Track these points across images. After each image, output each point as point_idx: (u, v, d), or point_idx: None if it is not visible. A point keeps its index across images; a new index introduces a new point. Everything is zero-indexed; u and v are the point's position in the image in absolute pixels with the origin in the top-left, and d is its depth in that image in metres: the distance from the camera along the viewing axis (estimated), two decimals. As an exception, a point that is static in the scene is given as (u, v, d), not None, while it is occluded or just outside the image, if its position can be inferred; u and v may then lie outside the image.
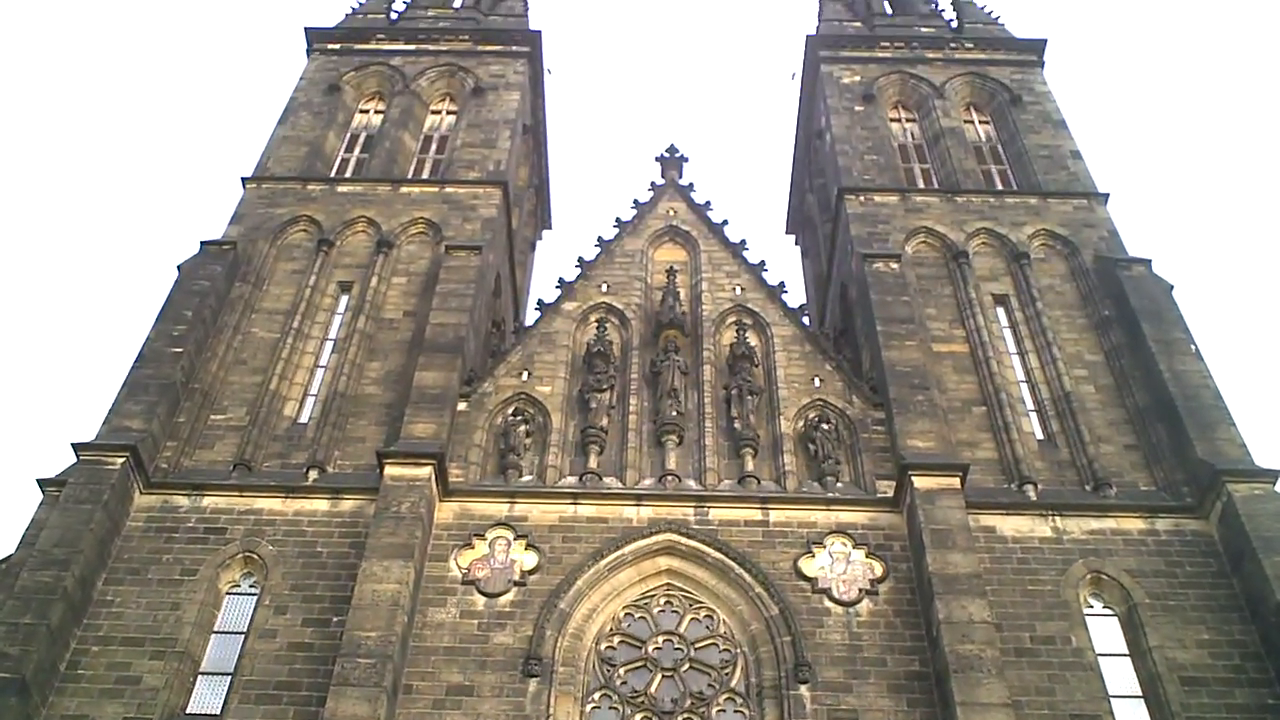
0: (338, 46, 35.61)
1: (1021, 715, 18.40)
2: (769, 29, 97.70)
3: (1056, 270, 28.25)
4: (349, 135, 33.43)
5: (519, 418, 24.27)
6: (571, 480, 23.17)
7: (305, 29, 35.62)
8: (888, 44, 36.06)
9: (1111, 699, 19.27)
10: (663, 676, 20.14)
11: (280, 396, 24.86)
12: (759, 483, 23.07)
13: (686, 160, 31.83)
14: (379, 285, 27.33)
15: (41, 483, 22.32)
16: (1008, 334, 26.84)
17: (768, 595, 20.70)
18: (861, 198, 30.17)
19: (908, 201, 30.10)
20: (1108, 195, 29.95)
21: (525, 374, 25.40)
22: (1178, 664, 19.60)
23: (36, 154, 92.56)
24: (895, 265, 27.42)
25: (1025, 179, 31.20)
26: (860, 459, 23.54)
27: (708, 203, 30.19)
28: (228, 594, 21.18)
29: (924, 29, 37.34)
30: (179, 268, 26.80)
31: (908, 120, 34.30)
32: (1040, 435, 24.34)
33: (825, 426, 24.00)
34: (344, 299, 27.45)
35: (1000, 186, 31.42)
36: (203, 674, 19.87)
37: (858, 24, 37.81)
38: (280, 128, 32.38)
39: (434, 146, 33.23)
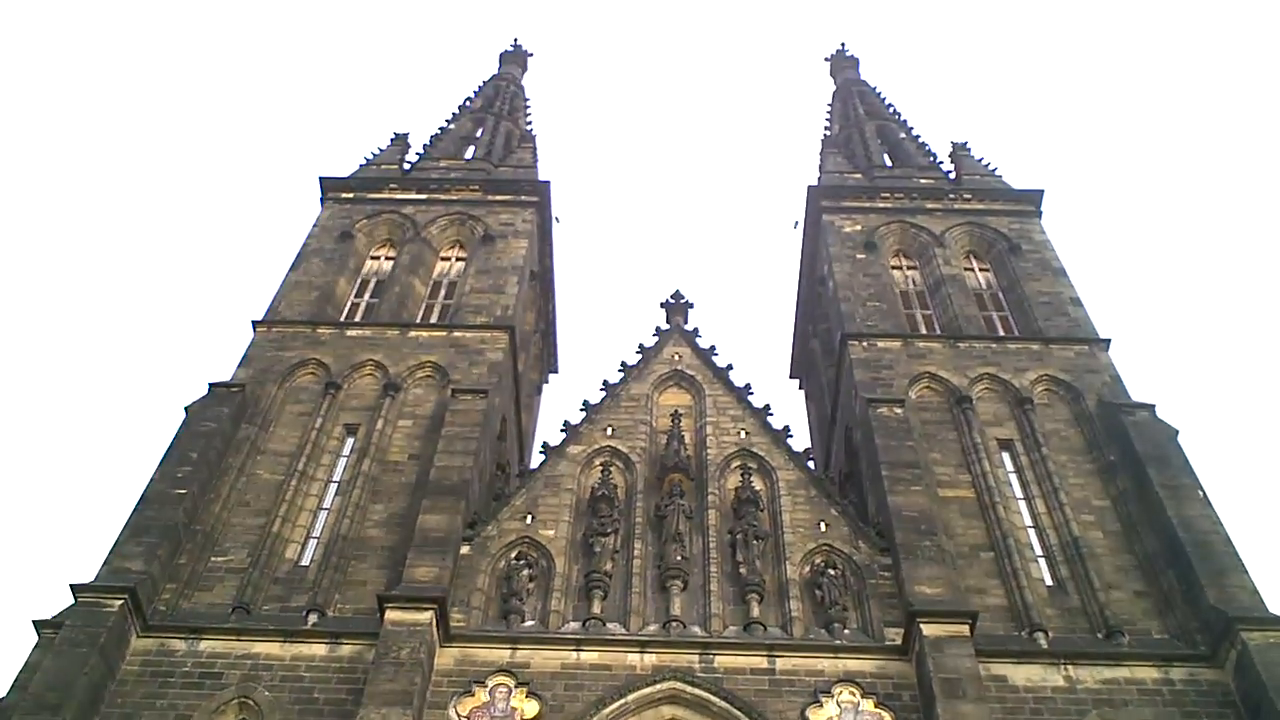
0: (351, 195, 36.55)
1: None
2: (771, 178, 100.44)
3: (1060, 415, 28.33)
4: (360, 280, 34.04)
5: (522, 562, 24.07)
6: (575, 626, 22.83)
7: (320, 178, 36.64)
8: (888, 194, 36.94)
9: None
10: (667, 836, 19.49)
11: (282, 539, 24.73)
12: (765, 629, 22.71)
13: (691, 306, 32.34)
14: (385, 428, 27.46)
15: (38, 624, 22.05)
16: (1014, 479, 26.78)
17: (774, 746, 20.16)
18: (865, 343, 30.48)
19: (910, 347, 30.39)
20: (1109, 341, 30.26)
21: (529, 518, 25.28)
22: (1198, 820, 18.95)
23: (50, 292, 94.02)
24: (899, 410, 27.54)
25: (1026, 325, 31.56)
26: (868, 605, 23.23)
27: (712, 347, 30.55)
28: (221, 741, 20.66)
29: (923, 180, 38.33)
30: (186, 409, 27.01)
31: (909, 268, 34.89)
32: (1050, 581, 24.07)
33: (832, 572, 23.76)
34: (349, 441, 27.56)
35: (1002, 332, 31.77)
36: (189, 830, 19.25)
37: (858, 175, 38.81)
38: (292, 273, 33.01)
39: (443, 292, 33.80)
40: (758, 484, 26.04)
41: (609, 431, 27.84)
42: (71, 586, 21.84)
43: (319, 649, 21.91)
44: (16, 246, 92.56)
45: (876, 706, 20.94)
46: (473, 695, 21.07)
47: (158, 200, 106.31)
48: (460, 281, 33.67)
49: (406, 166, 39.16)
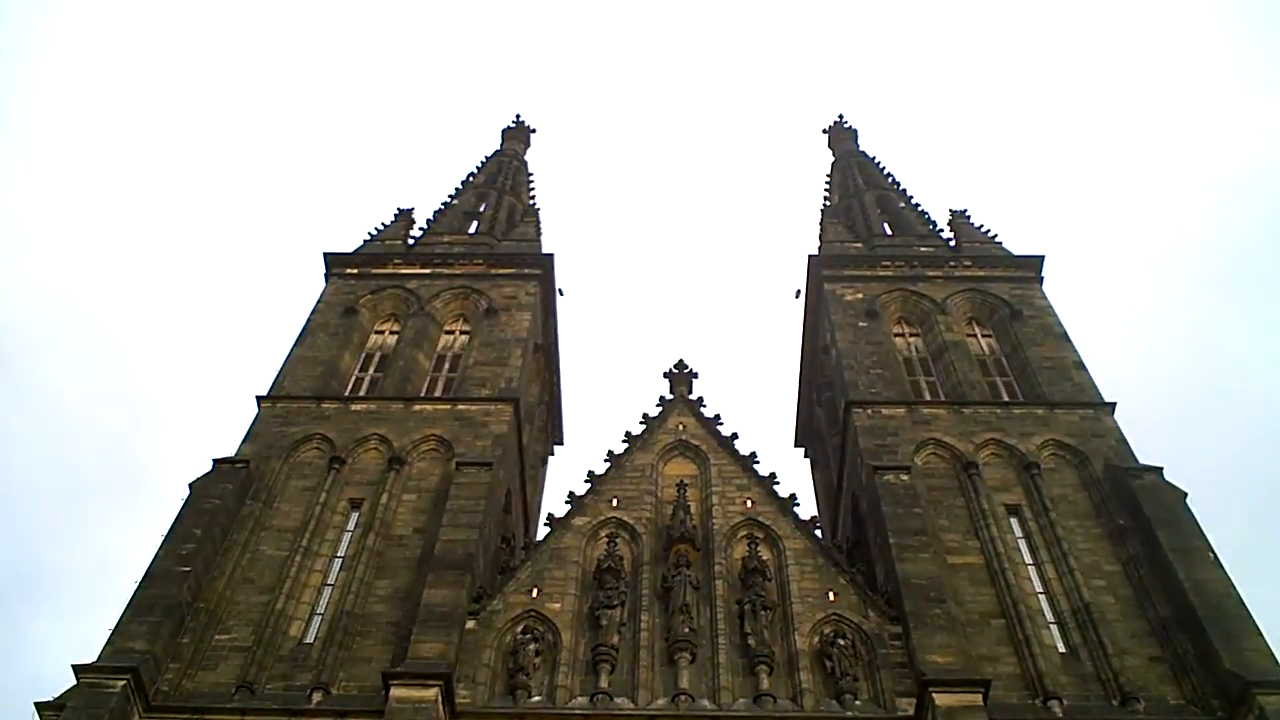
0: (356, 271, 36.85)
1: None
2: (772, 247, 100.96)
3: (1068, 480, 28.22)
4: (364, 355, 34.19)
5: (528, 636, 23.84)
6: (582, 701, 22.54)
7: (324, 254, 36.98)
8: (888, 263, 37.20)
9: None
10: None
11: (286, 616, 24.52)
12: (775, 701, 22.42)
13: (695, 375, 32.39)
14: (389, 502, 27.38)
15: (39, 706, 21.77)
16: (1022, 544, 26.61)
17: (787, 823, 19.78)
18: (869, 410, 30.47)
19: (915, 414, 30.38)
20: (1114, 404, 30.22)
21: (535, 591, 25.10)
22: None
23: (60, 367, 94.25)
24: (905, 477, 27.44)
25: (1031, 390, 31.56)
26: (878, 676, 22.93)
27: (717, 417, 30.55)
28: (223, 825, 20.34)
29: (923, 248, 38.63)
30: (191, 485, 26.98)
31: (911, 334, 35.00)
32: (1062, 648, 23.79)
33: (841, 642, 23.50)
34: (354, 516, 27.47)
35: (1006, 398, 31.78)
36: None
37: (858, 244, 39.10)
38: (297, 348, 33.14)
39: (447, 365, 33.90)
40: (765, 553, 25.88)
41: (614, 502, 27.73)
42: (74, 667, 21.66)
43: (323, 729, 21.61)
44: (28, 317, 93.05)
45: (890, 779, 20.57)
46: (479, 773, 20.75)
47: (163, 275, 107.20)
48: (464, 354, 33.79)
49: (410, 241, 39.56)
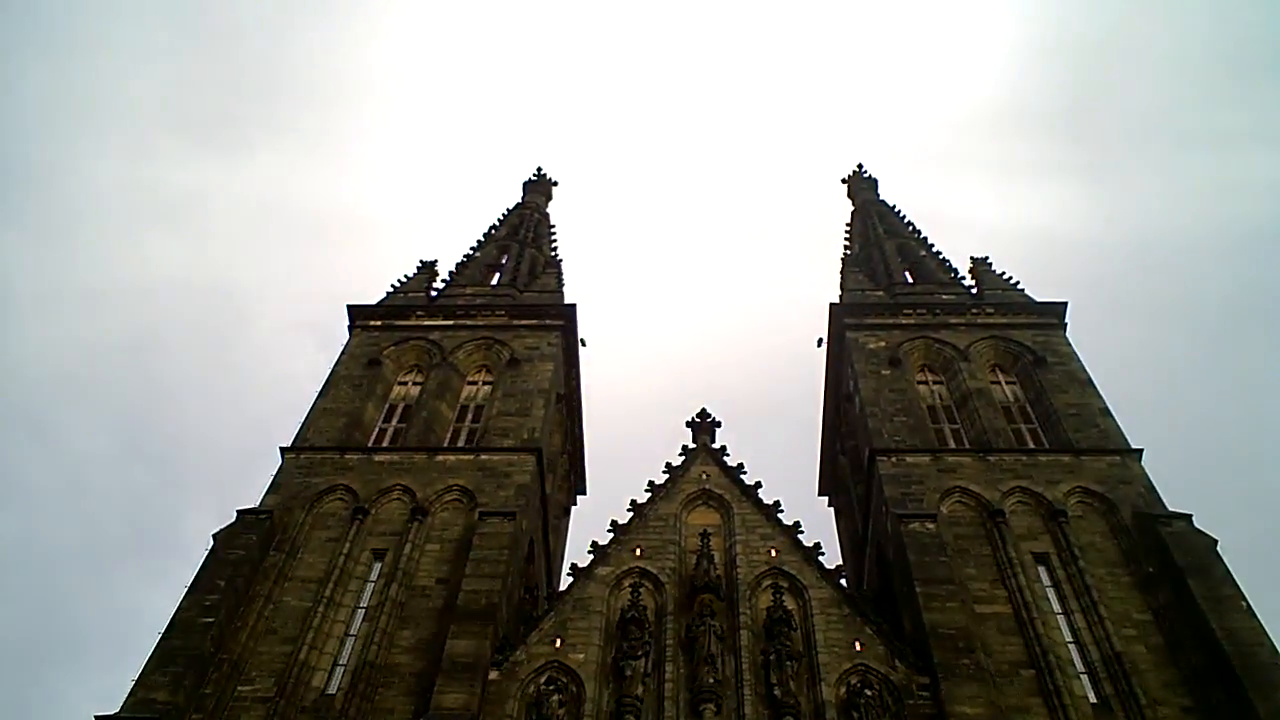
0: (379, 323, 37.10)
1: None
2: (794, 296, 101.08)
3: (1096, 527, 27.93)
4: (388, 406, 34.32)
5: (552, 687, 23.65)
6: (607, 753, 22.31)
7: (348, 306, 37.28)
8: (910, 311, 37.16)
9: None
10: None
11: (309, 667, 24.44)
12: (802, 753, 22.11)
13: (718, 424, 32.35)
14: (412, 552, 27.34)
15: (63, 760, 21.75)
16: (1051, 593, 26.29)
17: None
18: (893, 459, 30.31)
19: (940, 462, 30.19)
20: (1141, 451, 29.95)
21: (558, 641, 24.93)
22: None
23: (82, 427, 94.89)
24: (931, 525, 27.23)
25: (1056, 437, 31.34)
26: (907, 728, 22.59)
27: (740, 466, 30.42)
28: None
29: (945, 296, 38.59)
30: (215, 536, 27.03)
31: (935, 382, 34.87)
32: (1094, 699, 23.43)
33: (869, 693, 23.21)
34: (377, 566, 27.43)
35: (1031, 445, 31.58)
36: None
37: (880, 292, 39.11)
38: (321, 399, 33.32)
39: (470, 415, 33.98)
40: (790, 603, 25.65)
41: (638, 552, 27.60)
42: (97, 718, 21.60)
43: (346, 780, 21.44)
44: (58, 379, 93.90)
45: (920, 833, 20.20)
46: (503, 828, 20.50)
47: (188, 328, 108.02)
48: (487, 405, 33.87)
49: (433, 294, 39.82)
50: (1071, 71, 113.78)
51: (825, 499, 41.27)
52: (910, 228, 45.60)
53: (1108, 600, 25.56)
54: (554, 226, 47.95)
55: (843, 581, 26.86)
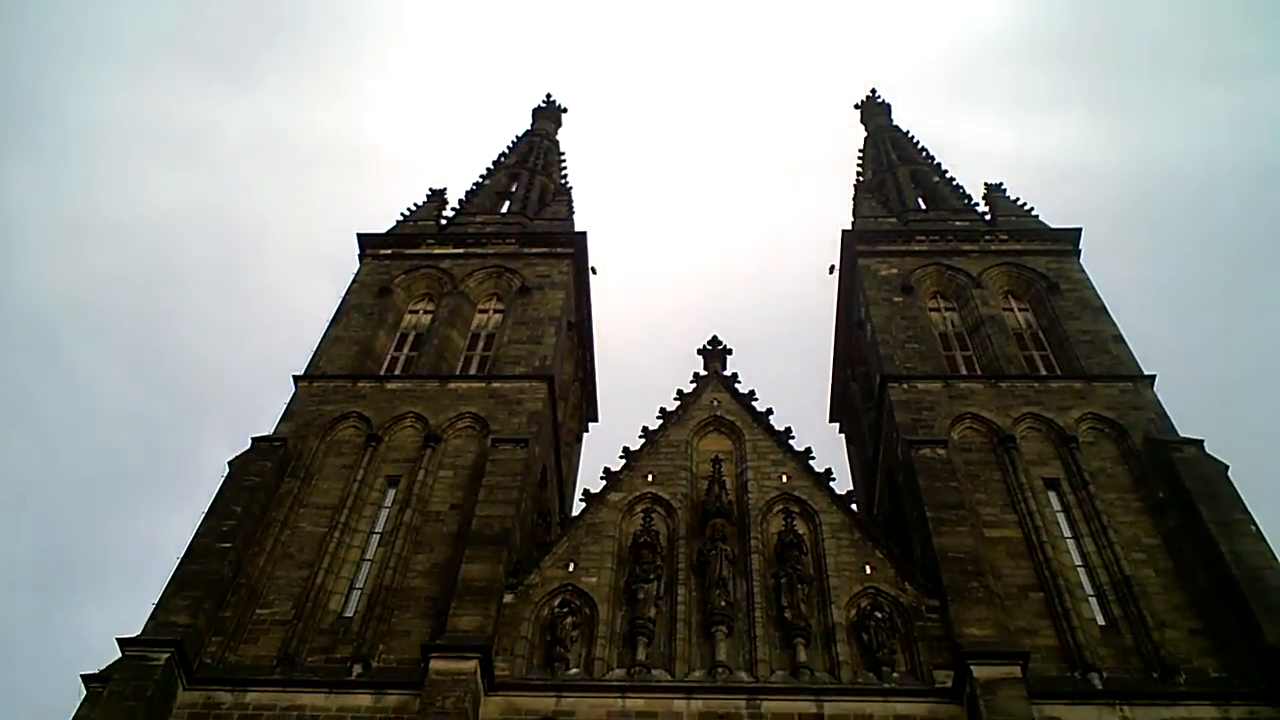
0: (389, 251, 37.03)
1: None
2: (806, 223, 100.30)
3: (1107, 453, 27.97)
4: (399, 334, 34.40)
5: (565, 610, 23.94)
6: (620, 673, 22.64)
7: (358, 235, 37.18)
8: (923, 237, 36.93)
9: None
10: None
11: (326, 590, 24.77)
12: (812, 674, 22.44)
13: (729, 352, 32.31)
14: (426, 479, 27.55)
15: (86, 678, 22.14)
16: (1061, 518, 26.40)
17: (825, 792, 19.82)
18: (905, 385, 30.32)
19: (951, 388, 30.19)
20: (1154, 377, 29.89)
21: (571, 565, 25.18)
22: None
23: (97, 359, 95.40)
24: (942, 451, 27.30)
25: (1068, 364, 31.29)
26: (916, 648, 22.88)
27: (751, 392, 30.45)
28: (268, 793, 20.62)
29: (958, 222, 38.31)
30: (230, 464, 27.25)
31: (947, 309, 34.76)
32: (1102, 621, 23.62)
33: (879, 615, 23.44)
34: (391, 493, 27.66)
35: (1044, 371, 31.54)
36: None
37: (893, 219, 38.84)
38: (333, 328, 33.38)
39: (481, 344, 34.04)
40: (801, 528, 25.82)
41: (650, 478, 27.75)
42: (118, 640, 21.98)
43: (364, 699, 21.87)
44: (72, 311, 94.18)
45: (928, 750, 20.56)
46: (519, 744, 20.91)
47: (197, 256, 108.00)
48: (498, 333, 33.91)
49: (443, 222, 39.69)
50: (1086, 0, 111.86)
51: (836, 425, 41.41)
52: (924, 154, 45.14)
53: (1117, 525, 25.67)
54: (564, 153, 47.63)
55: (853, 507, 27.01)
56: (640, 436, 29.13)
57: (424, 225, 38.93)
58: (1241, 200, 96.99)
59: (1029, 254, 35.88)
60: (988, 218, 38.81)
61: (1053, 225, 37.46)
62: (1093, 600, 24.16)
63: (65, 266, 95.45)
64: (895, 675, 22.24)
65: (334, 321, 33.74)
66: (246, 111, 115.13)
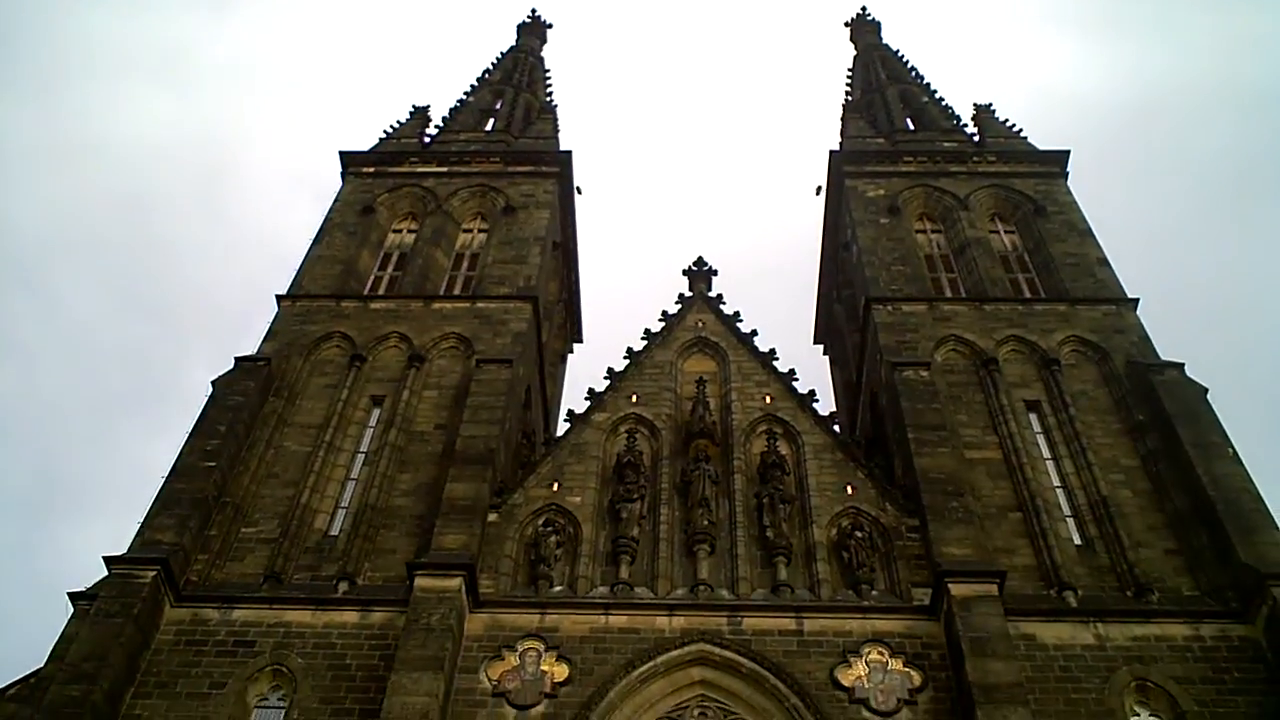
0: (372, 169, 36.59)
1: (1071, 828, 17.75)
2: (794, 142, 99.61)
3: (1088, 376, 28.13)
4: (382, 253, 34.15)
5: (549, 528, 24.15)
6: (603, 590, 22.93)
7: (340, 153, 36.73)
8: (911, 158, 36.64)
9: (1162, 809, 18.62)
10: (698, 790, 19.63)
11: (311, 509, 24.91)
12: (793, 591, 22.76)
13: (714, 272, 32.24)
14: (410, 399, 27.57)
15: (72, 596, 22.35)
16: (1041, 440, 26.62)
17: (804, 706, 20.27)
18: (889, 307, 30.32)
19: (936, 310, 30.21)
20: (1137, 301, 29.95)
21: (555, 485, 25.35)
22: (1230, 774, 18.92)
23: (75, 262, 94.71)
24: (925, 373, 27.41)
25: (1053, 286, 31.31)
26: (895, 567, 23.20)
27: (736, 314, 30.44)
28: (256, 707, 20.98)
29: (946, 143, 38.01)
30: (213, 383, 27.19)
31: (933, 231, 34.64)
32: (1078, 541, 23.96)
33: (859, 534, 23.72)
34: (375, 412, 27.69)
35: (1028, 294, 31.55)
36: (227, 791, 19.57)
37: (880, 140, 38.50)
38: (315, 247, 33.11)
39: (465, 263, 33.84)
40: (783, 448, 26.00)
41: (634, 399, 27.83)
42: (104, 559, 22.09)
43: (350, 616, 22.11)
44: (53, 235, 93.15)
45: (905, 666, 20.97)
46: (503, 660, 21.24)
47: (177, 179, 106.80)
48: (482, 253, 33.71)
49: (426, 140, 39.19)
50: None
51: (821, 347, 41.50)
52: (913, 73, 44.60)
53: (1096, 446, 25.91)
54: (549, 71, 46.83)
55: (836, 428, 27.19)
56: (624, 357, 29.16)
57: (407, 143, 38.44)
58: (1230, 126, 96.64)
59: (1016, 176, 35.67)
60: (976, 139, 38.50)
61: (1041, 148, 37.20)
62: (1070, 520, 24.47)
63: (44, 191, 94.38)
64: (874, 593, 22.58)
65: (316, 241, 33.45)
66: (224, 31, 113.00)
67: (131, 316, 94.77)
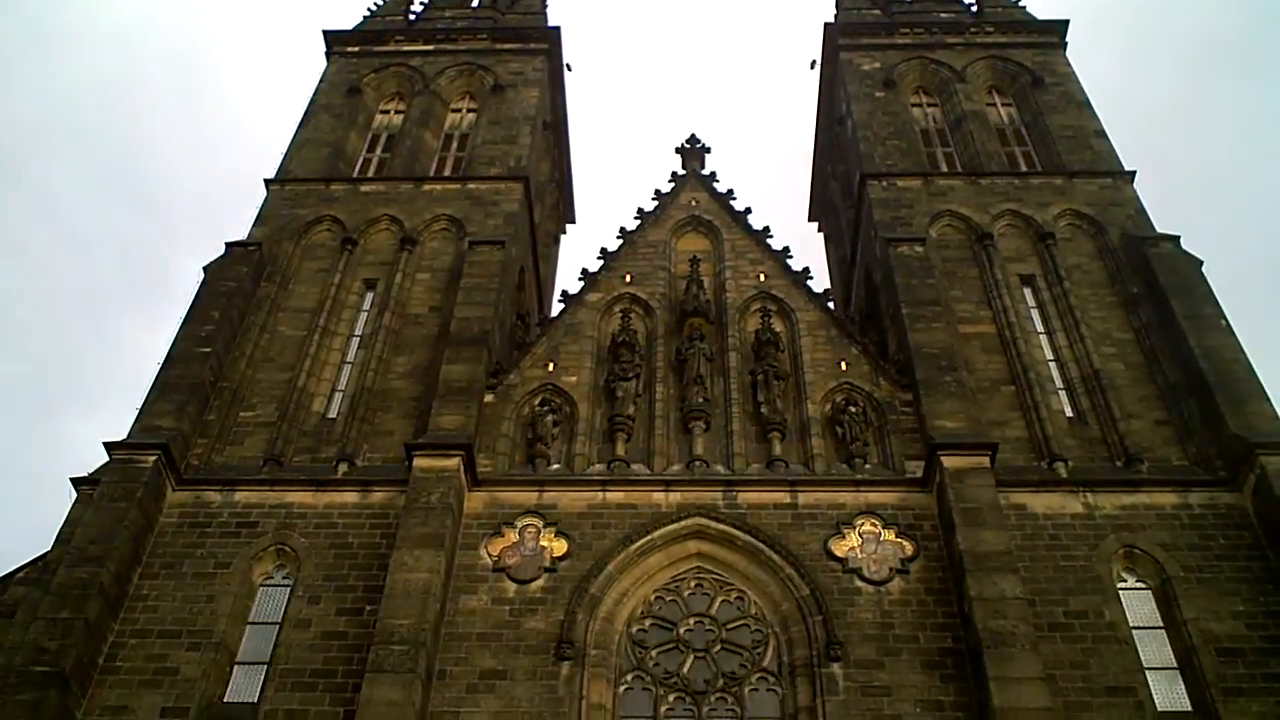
0: (357, 49, 35.83)
1: (1056, 689, 18.33)
2: (787, 16, 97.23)
3: (1083, 249, 28.04)
4: (370, 135, 33.65)
5: (546, 408, 24.31)
6: (600, 468, 23.19)
7: (323, 32, 35.91)
8: (907, 30, 35.90)
9: (1147, 671, 19.21)
10: (695, 657, 20.20)
11: (308, 393, 25.04)
12: (787, 466, 23.03)
13: (708, 150, 31.80)
14: (403, 281, 27.50)
15: (75, 481, 22.60)
16: (1035, 314, 26.68)
17: (798, 576, 20.69)
18: (884, 182, 30.05)
19: (931, 185, 29.95)
20: (1134, 173, 29.71)
21: (551, 365, 25.44)
22: (1213, 635, 19.47)
23: (63, 154, 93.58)
24: (919, 248, 27.31)
25: (1049, 159, 31.00)
26: (888, 441, 23.45)
27: (730, 191, 30.16)
28: (261, 586, 21.39)
29: (943, 14, 37.19)
30: (205, 269, 27.07)
31: (929, 105, 34.14)
32: (1070, 413, 24.18)
33: (853, 409, 23.91)
34: (369, 296, 27.64)
35: (1024, 168, 31.24)
36: (239, 663, 20.14)
37: (876, 11, 37.65)
38: (302, 130, 32.63)
39: (455, 144, 33.41)
40: (778, 325, 26.04)
41: (628, 278, 27.74)
42: (105, 444, 22.27)
43: (350, 497, 22.41)
44: (41, 129, 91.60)
45: (898, 537, 21.35)
46: (502, 536, 21.59)
47: (161, 64, 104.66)
48: (472, 133, 33.24)
49: (412, 17, 38.23)
50: None
51: (815, 224, 41.26)
52: (910, -60, 43.28)
53: (1090, 320, 25.98)
54: (536, -57, 45.44)
55: (830, 305, 27.19)
56: (618, 237, 28.97)
57: (392, 21, 37.54)
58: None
59: (1014, 47, 35.01)
60: (974, 9, 37.63)
61: (1040, 16, 36.43)
62: (1062, 393, 24.67)
63: (26, 78, 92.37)
64: (867, 466, 22.86)
65: (303, 124, 32.92)
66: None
67: (119, 206, 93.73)
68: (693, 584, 21.34)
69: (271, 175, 30.81)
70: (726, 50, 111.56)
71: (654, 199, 30.15)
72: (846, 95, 33.92)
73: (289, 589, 21.01)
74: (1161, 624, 20.06)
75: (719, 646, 20.29)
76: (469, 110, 34.48)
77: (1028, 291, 27.22)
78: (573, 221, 40.99)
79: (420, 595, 19.46)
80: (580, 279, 27.81)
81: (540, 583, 20.82)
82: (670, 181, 30.74)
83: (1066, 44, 35.01)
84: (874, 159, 31.01)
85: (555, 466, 23.21)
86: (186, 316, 25.72)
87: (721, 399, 24.56)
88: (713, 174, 30.90)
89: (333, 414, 24.77)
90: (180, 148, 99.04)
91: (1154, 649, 19.67)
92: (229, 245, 27.80)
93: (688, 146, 31.94)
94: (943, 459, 21.62)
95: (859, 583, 20.59)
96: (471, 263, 27.07)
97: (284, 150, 31.94)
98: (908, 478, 22.43)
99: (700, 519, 21.82)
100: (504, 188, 30.18)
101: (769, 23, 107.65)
